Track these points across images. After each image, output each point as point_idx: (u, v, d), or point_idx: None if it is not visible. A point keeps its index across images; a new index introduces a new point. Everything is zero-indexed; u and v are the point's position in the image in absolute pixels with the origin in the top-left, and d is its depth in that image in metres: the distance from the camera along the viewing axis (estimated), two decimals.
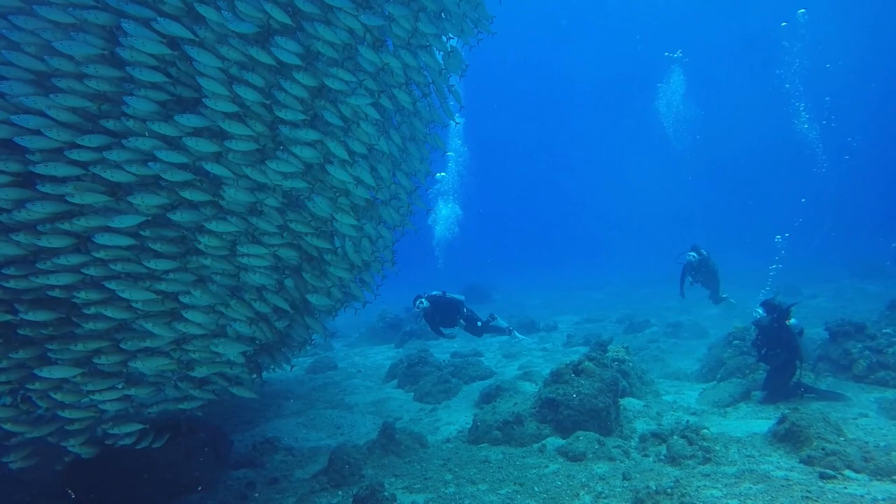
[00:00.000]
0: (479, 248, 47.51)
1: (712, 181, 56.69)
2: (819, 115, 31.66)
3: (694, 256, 13.48)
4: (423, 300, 10.58)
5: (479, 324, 10.98)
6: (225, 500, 6.17)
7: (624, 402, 8.48)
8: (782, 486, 5.40)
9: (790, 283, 19.61)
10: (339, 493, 6.24)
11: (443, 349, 15.52)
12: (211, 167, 5.12)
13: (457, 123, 7.63)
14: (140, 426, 5.44)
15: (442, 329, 10.93)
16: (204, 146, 5.03)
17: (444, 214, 28.01)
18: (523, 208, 72.12)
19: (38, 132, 4.54)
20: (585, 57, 60.98)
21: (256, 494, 6.46)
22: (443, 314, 10.84)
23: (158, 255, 5.07)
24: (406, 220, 7.50)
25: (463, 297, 11.10)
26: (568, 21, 58.21)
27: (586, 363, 7.95)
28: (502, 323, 11.62)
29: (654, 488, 5.39)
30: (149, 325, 5.12)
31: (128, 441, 5.46)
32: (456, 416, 9.14)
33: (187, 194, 5.07)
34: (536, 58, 61.78)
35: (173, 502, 6.15)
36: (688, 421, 7.45)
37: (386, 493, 5.70)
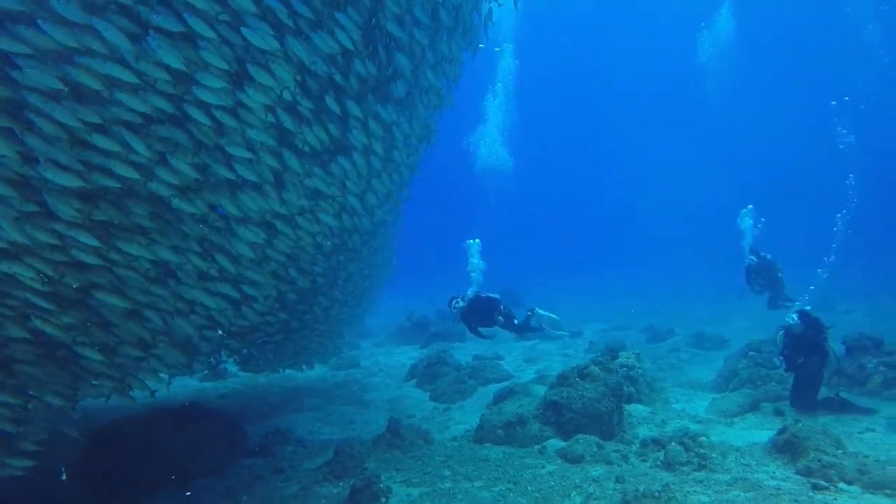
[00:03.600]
0: (514, 252, 47.13)
1: (763, 178, 52.57)
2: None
3: (753, 260, 13.42)
4: (458, 301, 10.50)
5: (517, 322, 10.70)
6: (232, 487, 6.49)
7: (630, 408, 8.52)
8: (771, 494, 5.45)
9: (825, 298, 18.98)
10: (341, 483, 6.50)
11: (466, 351, 15.73)
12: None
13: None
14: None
15: (480, 329, 10.70)
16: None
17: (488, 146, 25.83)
18: (562, 213, 71.28)
19: None
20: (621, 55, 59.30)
21: (262, 482, 6.78)
22: (480, 314, 10.58)
23: None
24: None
25: (498, 296, 10.86)
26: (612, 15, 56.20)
27: (592, 367, 8.04)
28: (544, 313, 11.19)
29: (642, 491, 5.51)
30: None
31: None
32: (468, 417, 9.33)
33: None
34: (571, 59, 60.30)
35: (186, 486, 6.51)
36: (689, 428, 7.49)
37: (381, 485, 5.95)
